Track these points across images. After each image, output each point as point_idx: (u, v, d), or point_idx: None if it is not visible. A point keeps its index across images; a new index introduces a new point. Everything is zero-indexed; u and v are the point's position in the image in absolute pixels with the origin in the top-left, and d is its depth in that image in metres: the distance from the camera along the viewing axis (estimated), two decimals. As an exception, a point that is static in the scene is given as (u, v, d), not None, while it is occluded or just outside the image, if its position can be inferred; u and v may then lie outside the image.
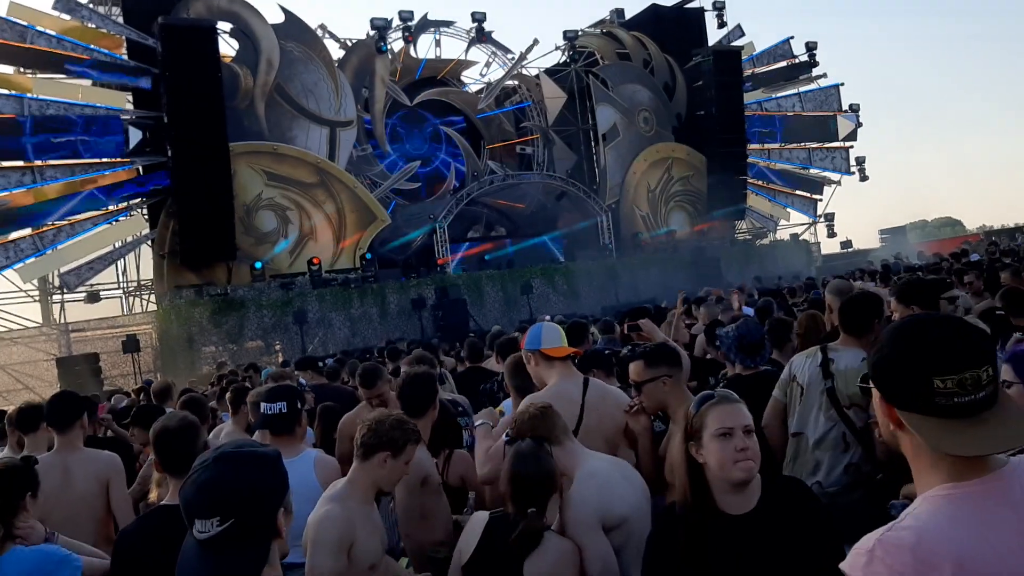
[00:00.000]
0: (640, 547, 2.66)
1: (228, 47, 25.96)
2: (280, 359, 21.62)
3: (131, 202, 24.20)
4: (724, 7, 35.02)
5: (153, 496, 4.06)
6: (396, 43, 29.96)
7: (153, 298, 25.30)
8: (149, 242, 24.42)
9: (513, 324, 19.56)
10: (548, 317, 10.47)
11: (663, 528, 2.57)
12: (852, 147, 37.89)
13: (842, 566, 1.51)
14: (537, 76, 33.59)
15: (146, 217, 24.48)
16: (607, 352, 5.49)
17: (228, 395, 5.88)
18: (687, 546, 2.42)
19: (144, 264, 25.76)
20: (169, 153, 22.68)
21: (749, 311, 8.50)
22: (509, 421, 4.11)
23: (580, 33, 33.85)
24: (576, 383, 3.86)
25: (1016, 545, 1.44)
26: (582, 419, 3.63)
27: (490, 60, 33.09)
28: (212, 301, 22.84)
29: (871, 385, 1.59)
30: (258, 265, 24.06)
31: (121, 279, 25.63)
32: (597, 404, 3.77)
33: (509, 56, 32.57)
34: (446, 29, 31.65)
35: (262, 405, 4.00)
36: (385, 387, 4.94)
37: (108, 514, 4.20)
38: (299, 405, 4.00)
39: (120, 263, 25.17)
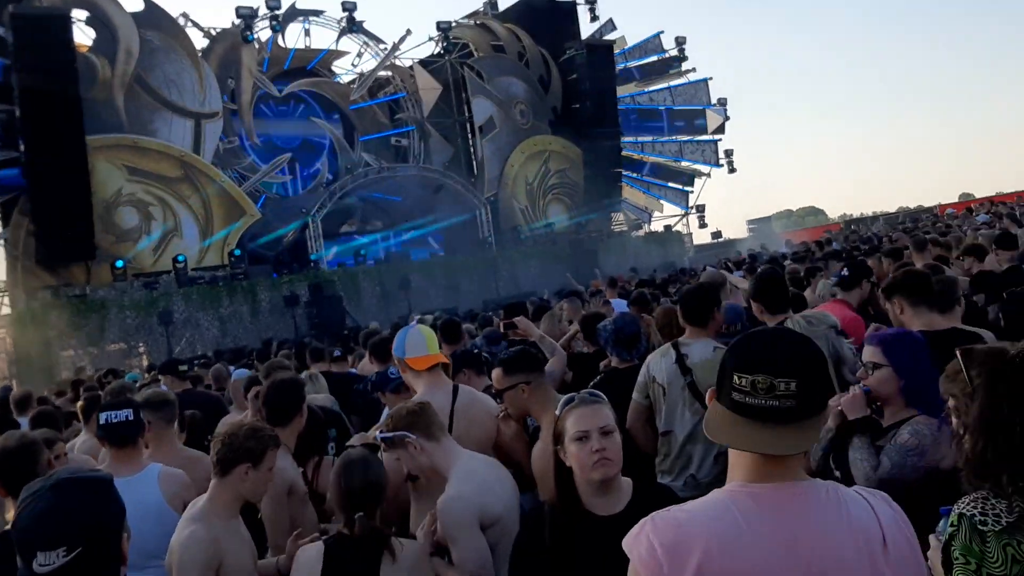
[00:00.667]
0: (511, 546, 2.74)
1: (84, 36, 24.99)
2: (145, 362, 21.01)
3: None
4: (596, 1, 35.73)
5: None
6: (263, 32, 29.43)
7: (7, 301, 24.11)
8: (1, 242, 23.25)
9: (391, 320, 19.59)
10: (417, 317, 10.49)
11: (531, 528, 2.65)
12: (721, 140, 39.52)
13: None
14: (411, 67, 33.48)
15: (-3, 216, 23.33)
16: (476, 351, 5.47)
17: (80, 404, 5.68)
18: (554, 546, 2.51)
19: (-4, 265, 24.52)
20: (22, 148, 21.64)
21: (621, 303, 8.66)
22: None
23: (454, 24, 33.94)
24: (445, 391, 3.81)
25: (775, 550, 1.54)
26: (451, 429, 3.51)
27: (362, 50, 32.87)
28: (70, 303, 21.93)
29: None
30: (119, 264, 23.16)
31: (-30, 282, 24.36)
32: (466, 412, 3.75)
33: (381, 47, 32.39)
34: (315, 18, 31.17)
35: (102, 415, 3.78)
36: None
37: None
38: (141, 415, 3.83)
39: (-31, 265, 23.93)
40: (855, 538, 1.58)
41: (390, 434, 3.10)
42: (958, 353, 2.02)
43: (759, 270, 7.06)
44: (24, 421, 6.45)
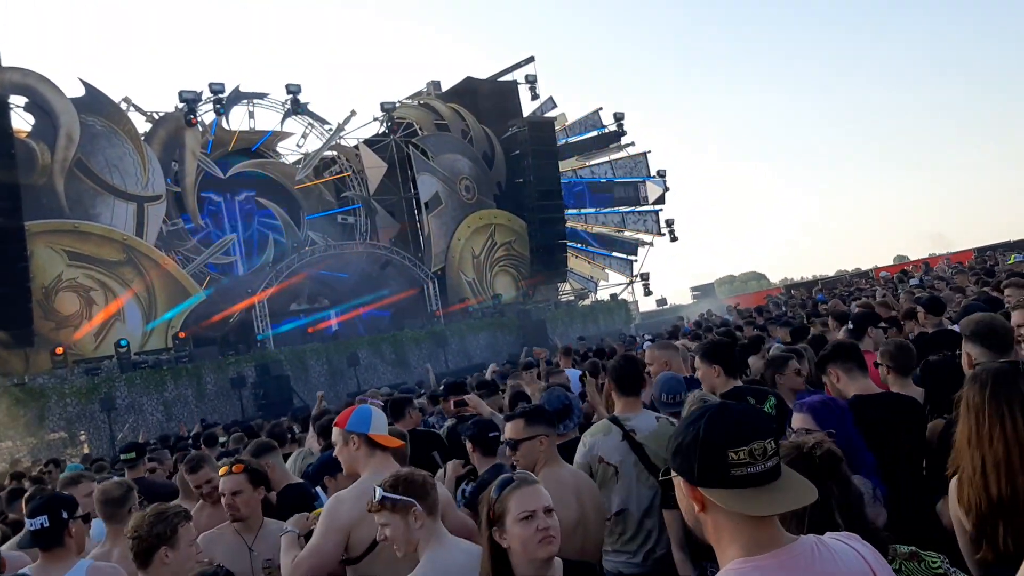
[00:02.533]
0: None
1: (23, 122, 24.60)
2: (85, 450, 20.21)
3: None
4: (536, 80, 36.66)
5: None
6: (207, 115, 29.26)
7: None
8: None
9: (340, 398, 19.16)
10: (371, 390, 10.28)
11: None
12: (661, 210, 40.24)
13: None
14: (356, 146, 33.65)
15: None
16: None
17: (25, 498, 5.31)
18: None
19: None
20: (-44, 235, 21.01)
21: (575, 373, 8.61)
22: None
23: (398, 104, 34.30)
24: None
25: None
26: None
27: (307, 131, 32.94)
28: (8, 392, 21.08)
29: (672, 476, 1.73)
30: (59, 351, 22.44)
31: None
32: None
33: (326, 127, 32.48)
34: (259, 101, 31.19)
35: (26, 521, 3.72)
36: (212, 473, 4.59)
37: None
38: (63, 515, 3.66)
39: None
40: None
41: (397, 497, 2.89)
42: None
43: (712, 337, 7.05)
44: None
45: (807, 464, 2.20)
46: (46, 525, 3.60)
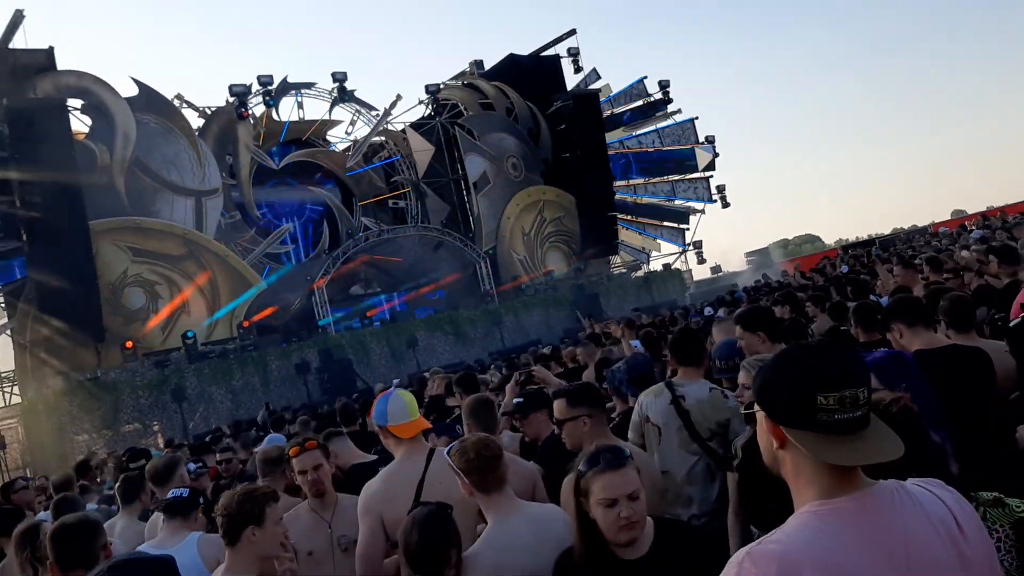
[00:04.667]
0: None
1: (81, 124, 25.17)
2: (160, 441, 20.70)
3: (-15, 291, 22.95)
4: (579, 53, 36.17)
5: None
6: (257, 107, 29.64)
7: (16, 390, 23.88)
8: (8, 332, 23.10)
9: (402, 379, 19.37)
10: (396, 382, 10.34)
11: (562, 573, 2.63)
12: (712, 176, 39.66)
13: None
14: (403, 131, 33.78)
15: (3, 306, 23.29)
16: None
17: (118, 485, 5.59)
18: None
19: (5, 355, 24.34)
20: (24, 238, 21.61)
21: (636, 344, 8.67)
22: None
23: (442, 86, 34.24)
24: (419, 457, 3.68)
25: (878, 558, 1.54)
26: (420, 495, 3.45)
27: (355, 118, 33.13)
28: (82, 387, 21.69)
29: (755, 410, 1.71)
30: (129, 344, 23.02)
31: (-20, 374, 24.20)
32: (439, 477, 3.57)
33: (373, 113, 32.67)
34: (307, 91, 31.47)
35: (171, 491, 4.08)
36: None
37: None
38: (200, 498, 4.05)
39: (-23, 356, 23.82)
40: (937, 531, 1.59)
41: (450, 462, 3.07)
42: None
43: (747, 306, 7.00)
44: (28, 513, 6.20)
45: (883, 420, 2.17)
46: (184, 496, 3.97)
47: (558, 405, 3.73)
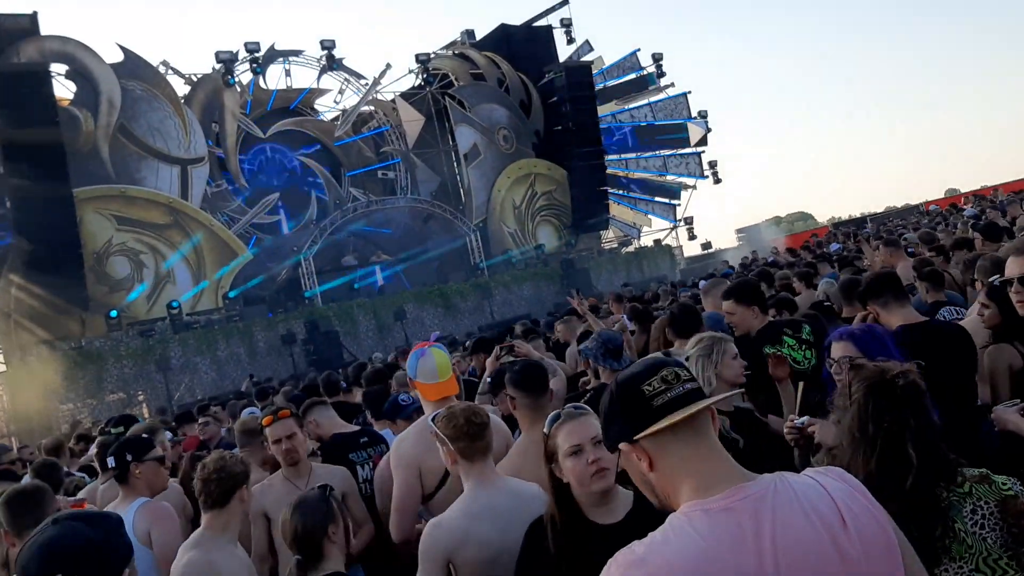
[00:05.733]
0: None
1: (65, 90, 24.84)
2: (145, 411, 20.70)
3: (-34, 260, 22.74)
4: (571, 24, 35.81)
5: None
6: (244, 75, 29.33)
7: (1, 358, 23.78)
8: (-10, 301, 22.96)
9: (388, 352, 19.36)
10: (437, 334, 10.38)
11: (533, 542, 2.62)
12: (704, 151, 39.54)
13: None
14: (393, 100, 33.50)
15: (-14, 273, 23.03)
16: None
17: (96, 451, 5.69)
18: (559, 557, 2.49)
19: (-12, 323, 24.19)
20: (7, 204, 21.42)
21: (625, 319, 8.75)
22: None
23: (432, 56, 33.86)
24: None
25: (745, 558, 1.52)
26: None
27: (343, 87, 32.94)
28: (66, 356, 21.62)
29: (617, 452, 1.71)
30: (113, 314, 22.86)
31: (-39, 340, 24.06)
32: None
33: (362, 82, 32.43)
34: (295, 58, 31.15)
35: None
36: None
37: None
38: (127, 458, 3.97)
39: (-41, 323, 23.66)
40: (813, 525, 1.56)
41: (435, 429, 3.05)
42: (849, 367, 2.32)
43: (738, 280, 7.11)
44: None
45: (887, 390, 2.17)
46: (113, 466, 4.00)
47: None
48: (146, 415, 19.37)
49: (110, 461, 3.97)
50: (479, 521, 2.83)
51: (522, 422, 3.68)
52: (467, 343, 11.54)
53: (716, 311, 5.25)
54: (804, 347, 4.42)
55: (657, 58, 38.30)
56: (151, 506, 3.92)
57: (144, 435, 4.87)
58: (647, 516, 2.43)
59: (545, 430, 2.61)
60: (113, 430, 6.53)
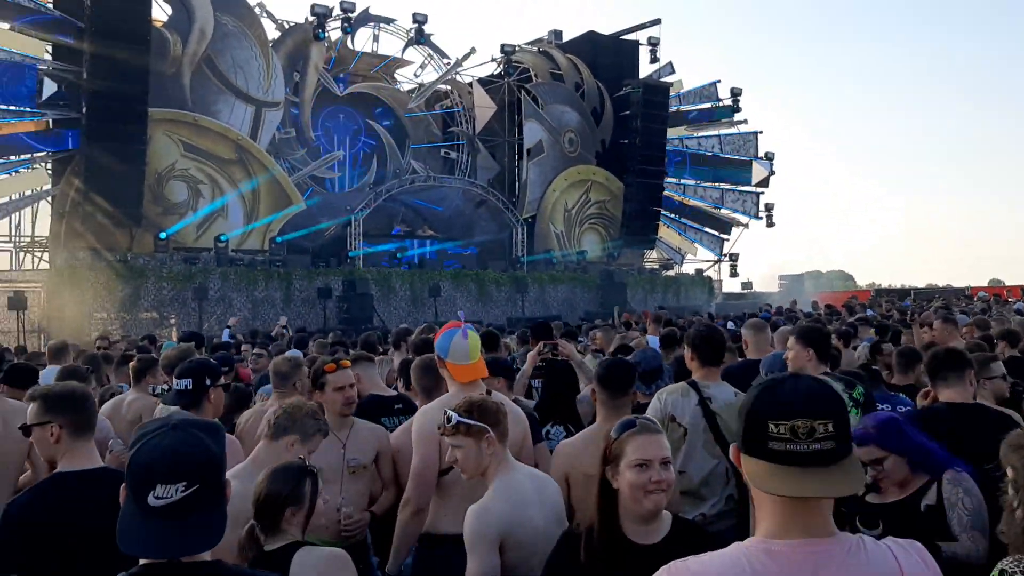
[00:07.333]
0: (538, 569, 2.68)
1: (160, 11, 25.13)
2: (174, 334, 20.87)
3: (35, 154, 23.16)
4: (659, 44, 35.66)
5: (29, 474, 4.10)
6: (334, 32, 29.54)
7: (47, 257, 24.15)
8: (49, 198, 23.35)
9: (418, 324, 19.32)
10: (463, 314, 10.16)
11: (565, 550, 2.57)
12: (763, 193, 39.10)
13: None
14: (470, 84, 33.62)
15: (49, 172, 23.46)
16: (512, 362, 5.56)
17: (133, 364, 5.87)
18: (589, 571, 2.44)
19: (41, 221, 24.69)
20: (84, 110, 21.73)
21: (654, 340, 8.55)
22: None
23: (517, 48, 33.97)
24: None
25: None
26: None
27: (425, 62, 33.13)
28: (110, 266, 22.01)
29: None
30: (163, 235, 23.21)
31: (14, 233, 24.52)
32: None
33: (445, 61, 32.62)
34: (386, 25, 31.44)
35: (173, 380, 4.01)
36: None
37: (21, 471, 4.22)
38: (206, 382, 3.88)
39: (15, 216, 24.11)
40: None
41: (471, 421, 2.92)
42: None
43: (809, 321, 6.95)
44: (54, 370, 6.42)
45: None
46: (189, 388, 3.83)
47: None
48: (174, 338, 19.51)
49: (184, 383, 3.84)
50: (520, 508, 2.87)
51: (599, 414, 3.78)
52: (516, 330, 11.53)
53: (778, 351, 5.14)
54: (852, 405, 4.28)
55: (735, 92, 37.98)
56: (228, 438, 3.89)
57: (213, 359, 4.98)
58: (683, 541, 2.41)
59: (613, 434, 2.53)
60: (183, 344, 6.65)
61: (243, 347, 11.48)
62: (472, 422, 2.91)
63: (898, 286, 40.54)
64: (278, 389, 4.72)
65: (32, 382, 4.84)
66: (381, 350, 8.76)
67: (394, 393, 5.10)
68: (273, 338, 14.67)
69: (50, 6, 22.69)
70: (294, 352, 7.50)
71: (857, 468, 1.56)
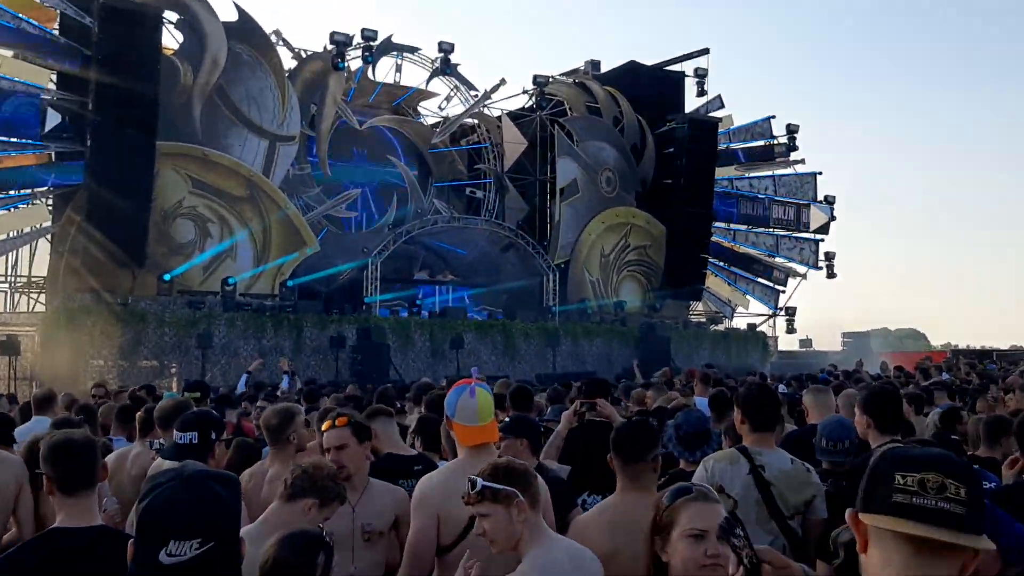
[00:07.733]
0: None
1: (171, 39, 26.10)
2: (175, 385, 21.28)
3: (36, 189, 23.91)
4: (706, 75, 35.76)
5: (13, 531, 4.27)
6: (354, 62, 30.20)
7: (43, 298, 24.84)
8: (49, 236, 24.07)
9: (439, 380, 19.64)
10: (477, 370, 10.35)
11: None
12: (823, 240, 39.09)
13: None
14: (499, 118, 34.18)
15: (50, 208, 24.15)
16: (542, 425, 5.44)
17: (140, 415, 5.90)
18: None
19: (39, 260, 25.36)
20: (88, 143, 22.54)
21: (703, 401, 8.42)
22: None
23: (551, 80, 34.33)
24: (484, 462, 3.48)
25: None
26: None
27: (451, 94, 33.61)
28: (109, 310, 22.38)
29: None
30: (167, 277, 23.84)
31: (10, 273, 25.26)
32: None
33: (472, 93, 33.09)
34: (410, 55, 32.10)
35: (175, 434, 4.11)
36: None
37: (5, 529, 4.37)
38: (212, 436, 4.06)
39: (11, 255, 24.83)
40: None
41: (498, 486, 2.88)
42: None
43: (874, 385, 7.00)
44: (41, 421, 6.74)
45: None
46: (195, 442, 3.97)
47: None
48: (174, 388, 19.90)
49: (191, 436, 3.97)
50: None
51: (617, 483, 3.70)
52: (547, 387, 11.65)
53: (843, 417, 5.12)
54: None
55: (792, 129, 37.97)
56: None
57: (214, 412, 5.15)
58: None
59: (665, 501, 2.49)
60: (188, 394, 6.78)
61: (243, 403, 11.65)
62: (500, 487, 2.85)
63: (978, 347, 40.04)
64: (273, 446, 4.74)
65: (6, 432, 5.06)
66: (399, 405, 9.08)
67: (414, 453, 5.06)
68: (277, 394, 14.90)
69: (56, 32, 23.61)
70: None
71: (989, 545, 1.54)
